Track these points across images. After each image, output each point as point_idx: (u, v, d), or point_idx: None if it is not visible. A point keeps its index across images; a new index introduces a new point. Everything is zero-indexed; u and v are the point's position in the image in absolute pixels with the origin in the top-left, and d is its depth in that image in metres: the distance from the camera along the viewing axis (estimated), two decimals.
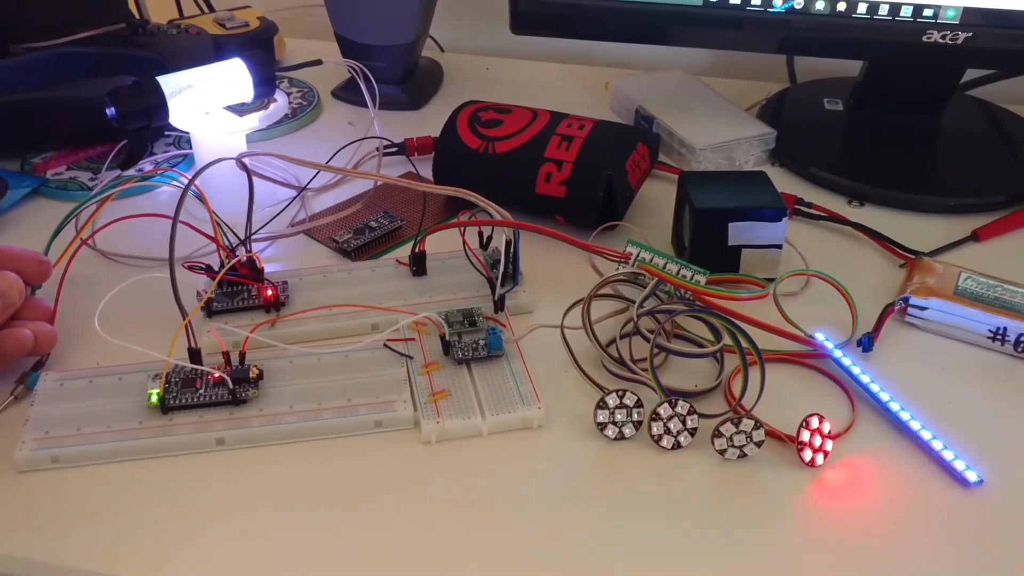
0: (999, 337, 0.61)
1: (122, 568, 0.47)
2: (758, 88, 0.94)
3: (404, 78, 0.91)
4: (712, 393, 0.57)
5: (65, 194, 0.74)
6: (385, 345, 0.58)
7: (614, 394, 0.53)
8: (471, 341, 0.58)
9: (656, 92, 0.88)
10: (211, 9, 1.01)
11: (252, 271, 0.62)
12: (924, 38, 0.74)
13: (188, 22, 0.92)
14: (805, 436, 0.52)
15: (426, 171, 0.76)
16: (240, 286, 0.62)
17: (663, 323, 0.59)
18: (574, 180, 0.69)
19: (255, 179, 0.62)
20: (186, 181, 0.57)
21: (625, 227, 0.70)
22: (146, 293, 0.57)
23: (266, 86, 0.73)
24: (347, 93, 0.92)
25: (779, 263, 0.66)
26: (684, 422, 0.53)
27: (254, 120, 0.73)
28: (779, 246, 0.65)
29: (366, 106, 0.79)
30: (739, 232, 0.64)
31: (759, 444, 0.52)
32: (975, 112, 0.89)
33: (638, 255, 0.63)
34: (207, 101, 0.70)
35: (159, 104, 0.68)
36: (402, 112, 0.90)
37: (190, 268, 0.61)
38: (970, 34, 0.73)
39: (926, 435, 0.54)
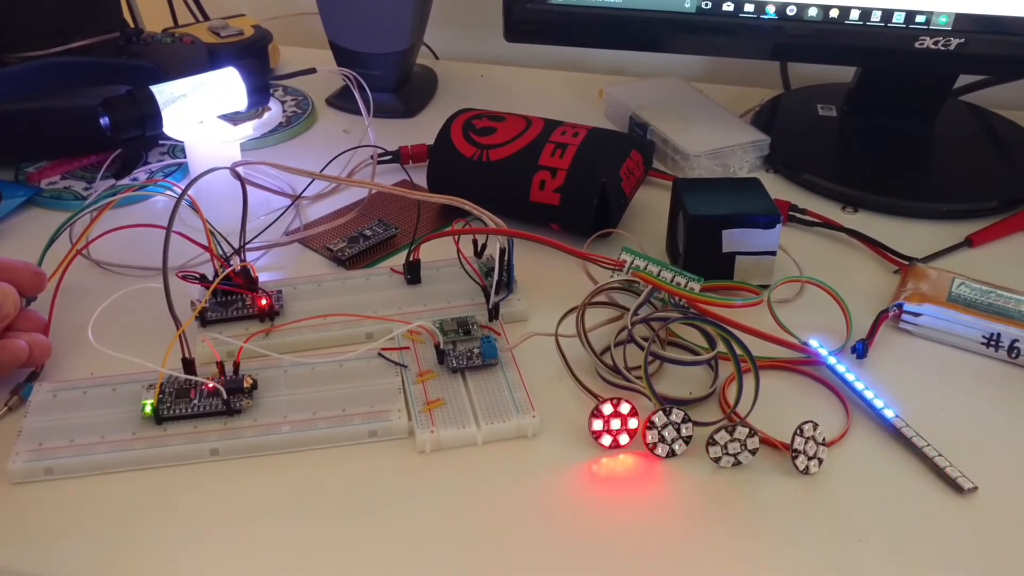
0: (993, 343, 0.61)
1: None
2: (752, 94, 0.94)
3: (398, 86, 0.91)
4: (707, 401, 0.57)
5: (59, 204, 0.74)
6: (379, 354, 0.58)
7: (609, 402, 0.53)
8: (465, 350, 0.58)
9: (650, 99, 0.88)
10: (205, 18, 1.01)
11: (246, 280, 0.62)
12: (917, 44, 0.74)
13: (182, 31, 0.92)
14: (799, 444, 0.52)
15: (420, 179, 0.76)
16: (234, 295, 0.62)
17: (657, 331, 0.59)
18: (568, 188, 0.69)
19: (249, 188, 0.62)
20: (180, 191, 0.57)
21: (619, 234, 0.70)
22: (140, 303, 0.57)
23: (260, 95, 0.74)
24: (341, 101, 0.92)
25: (773, 270, 0.66)
26: (679, 430, 0.53)
27: (248, 129, 0.73)
28: (773, 253, 0.65)
29: (360, 114, 0.79)
30: (733, 239, 0.64)
31: (753, 452, 0.53)
32: (968, 117, 0.90)
33: (632, 262, 0.63)
34: (201, 110, 0.70)
35: (153, 113, 0.68)
36: (396, 120, 0.90)
37: (184, 278, 0.60)
38: (962, 40, 0.74)
39: (920, 442, 0.54)
